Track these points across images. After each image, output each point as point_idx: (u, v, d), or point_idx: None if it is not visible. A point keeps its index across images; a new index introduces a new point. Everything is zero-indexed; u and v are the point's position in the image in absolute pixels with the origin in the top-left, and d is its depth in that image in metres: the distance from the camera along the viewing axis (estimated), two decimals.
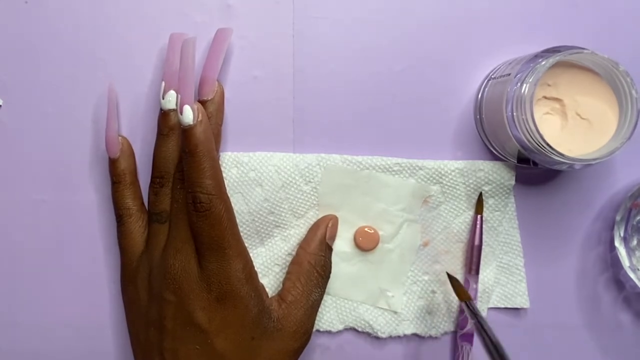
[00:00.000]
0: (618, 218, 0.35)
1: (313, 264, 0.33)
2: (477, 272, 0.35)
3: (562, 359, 0.37)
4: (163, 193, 0.32)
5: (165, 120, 0.32)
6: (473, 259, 0.35)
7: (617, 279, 0.37)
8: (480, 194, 0.35)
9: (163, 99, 0.32)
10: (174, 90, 0.32)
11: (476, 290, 0.35)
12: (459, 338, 0.36)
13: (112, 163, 0.34)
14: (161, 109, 0.32)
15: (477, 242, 0.35)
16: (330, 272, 0.34)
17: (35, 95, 0.35)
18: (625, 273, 0.35)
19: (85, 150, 0.35)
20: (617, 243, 0.35)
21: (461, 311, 0.36)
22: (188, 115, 0.29)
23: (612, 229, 0.36)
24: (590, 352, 0.37)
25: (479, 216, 0.35)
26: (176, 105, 0.32)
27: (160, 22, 0.35)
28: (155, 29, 0.35)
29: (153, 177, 0.33)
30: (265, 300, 0.32)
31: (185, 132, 0.30)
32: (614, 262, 0.37)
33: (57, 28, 0.35)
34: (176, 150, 0.32)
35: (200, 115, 0.30)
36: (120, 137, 0.34)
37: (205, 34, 0.34)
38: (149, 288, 0.32)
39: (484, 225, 0.36)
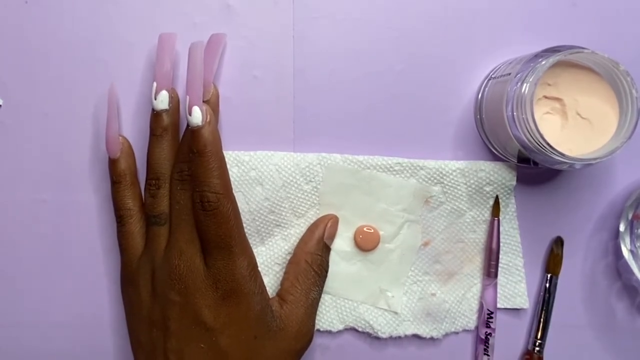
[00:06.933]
0: (622, 229, 0.35)
1: (310, 263, 0.33)
2: (496, 276, 0.35)
3: (561, 359, 0.37)
4: (160, 195, 0.32)
5: (158, 120, 0.32)
6: (491, 262, 0.35)
7: (617, 278, 0.37)
8: (497, 197, 0.35)
9: (155, 99, 0.32)
10: (166, 90, 0.32)
11: (496, 292, 0.35)
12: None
13: (113, 163, 0.33)
14: (153, 110, 0.32)
15: (494, 245, 0.35)
16: (327, 271, 0.34)
17: (35, 95, 0.35)
18: (625, 262, 0.35)
19: (85, 150, 0.35)
20: (626, 254, 0.35)
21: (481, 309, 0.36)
22: (197, 116, 0.30)
23: (612, 228, 0.36)
24: (590, 352, 0.37)
25: (496, 219, 0.35)
26: (169, 104, 0.32)
27: (160, 22, 0.35)
28: (156, 29, 0.35)
29: (148, 179, 0.33)
30: (268, 299, 0.32)
31: (194, 132, 0.30)
32: (615, 261, 0.37)
33: (57, 28, 0.35)
34: (170, 151, 0.32)
35: (208, 116, 0.30)
36: (120, 137, 0.34)
37: (205, 34, 0.34)
38: (151, 289, 0.32)
39: (484, 227, 0.36)
